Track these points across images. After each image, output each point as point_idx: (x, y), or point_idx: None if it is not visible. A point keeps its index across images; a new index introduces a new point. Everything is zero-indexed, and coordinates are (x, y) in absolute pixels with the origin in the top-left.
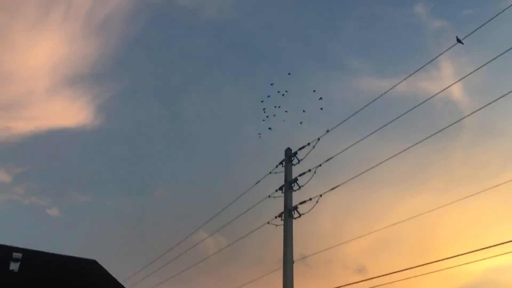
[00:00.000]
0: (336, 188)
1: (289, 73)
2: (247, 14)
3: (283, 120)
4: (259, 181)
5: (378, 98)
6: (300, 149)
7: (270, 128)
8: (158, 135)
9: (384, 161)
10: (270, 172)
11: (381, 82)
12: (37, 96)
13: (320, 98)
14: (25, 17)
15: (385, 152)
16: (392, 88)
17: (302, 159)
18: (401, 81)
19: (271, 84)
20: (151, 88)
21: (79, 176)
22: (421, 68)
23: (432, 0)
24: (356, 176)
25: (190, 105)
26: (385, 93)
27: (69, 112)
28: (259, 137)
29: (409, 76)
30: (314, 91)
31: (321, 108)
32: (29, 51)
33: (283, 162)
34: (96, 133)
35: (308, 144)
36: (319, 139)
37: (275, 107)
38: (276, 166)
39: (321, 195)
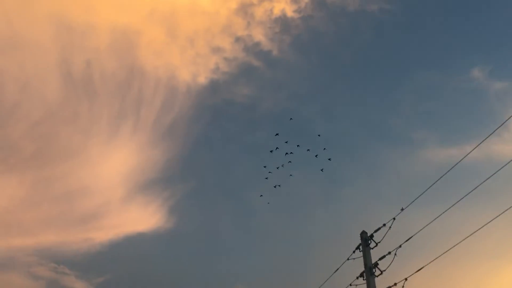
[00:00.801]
0: (422, 269)
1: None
2: (303, 103)
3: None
4: (337, 269)
5: (453, 167)
6: (376, 231)
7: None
8: (228, 230)
9: (474, 232)
10: (348, 259)
11: (449, 151)
12: (113, 205)
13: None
14: (98, 133)
15: (468, 222)
16: (466, 155)
17: (379, 242)
18: (475, 147)
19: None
20: (216, 184)
21: (156, 280)
22: (494, 131)
23: (488, 63)
24: (443, 253)
25: (256, 197)
26: (459, 161)
27: (143, 217)
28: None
29: (483, 141)
30: (319, 135)
31: (329, 159)
32: (103, 164)
33: (360, 247)
34: (169, 235)
35: (384, 225)
36: (394, 218)
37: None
38: (353, 251)
39: (406, 279)
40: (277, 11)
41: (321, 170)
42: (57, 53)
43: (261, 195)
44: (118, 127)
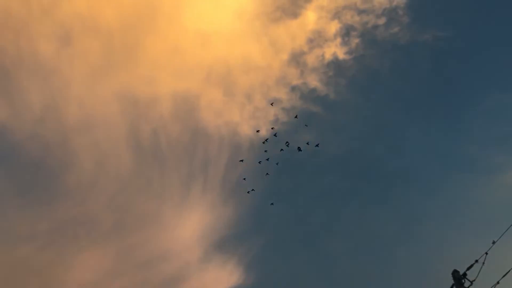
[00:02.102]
0: None
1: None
2: (368, 142)
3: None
4: None
5: None
6: (468, 268)
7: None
8: (309, 279)
9: None
10: None
11: None
12: (193, 267)
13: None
14: (171, 198)
15: None
16: None
17: (474, 280)
18: None
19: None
20: (291, 234)
21: None
22: None
23: None
24: None
25: (333, 242)
26: None
27: (223, 277)
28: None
29: None
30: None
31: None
32: (178, 227)
33: (453, 287)
34: None
35: (476, 261)
36: (487, 253)
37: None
38: None
39: None
40: (328, 56)
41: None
42: (125, 127)
43: (272, 203)
44: (188, 189)
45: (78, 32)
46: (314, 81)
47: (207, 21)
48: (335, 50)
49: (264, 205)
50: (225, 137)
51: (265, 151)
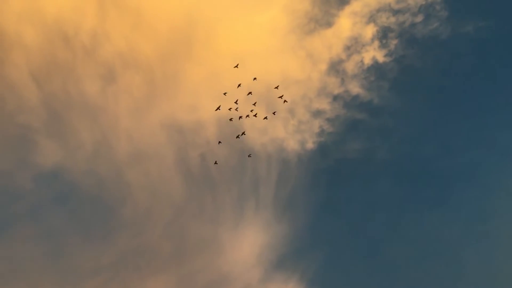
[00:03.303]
0: None
1: None
2: (418, 144)
3: None
4: None
5: None
6: None
7: None
8: None
9: None
10: None
11: None
12: (254, 287)
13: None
14: (225, 220)
15: None
16: None
17: None
18: None
19: None
20: (350, 245)
21: None
22: None
23: None
24: None
25: (395, 250)
26: None
27: None
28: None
29: None
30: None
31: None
32: (235, 249)
33: None
34: None
35: None
36: None
37: None
38: None
39: None
40: (368, 60)
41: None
42: (174, 155)
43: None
44: (241, 210)
45: (120, 69)
46: (356, 88)
47: (242, 42)
48: (374, 54)
49: (319, 219)
50: (272, 154)
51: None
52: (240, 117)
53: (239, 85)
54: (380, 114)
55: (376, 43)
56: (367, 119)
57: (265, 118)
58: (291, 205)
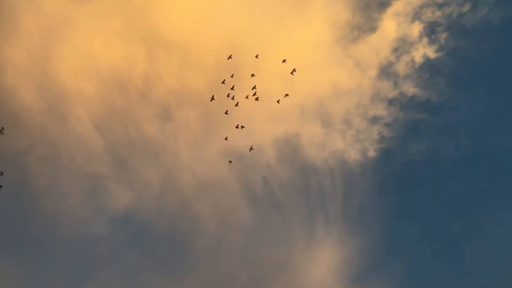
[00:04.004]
0: None
1: None
2: (488, 135)
3: None
4: None
5: None
6: None
7: None
8: None
9: None
10: None
11: None
12: None
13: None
14: (297, 241)
15: None
16: None
17: None
18: None
19: None
20: (430, 251)
21: None
22: None
23: None
24: None
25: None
26: None
27: None
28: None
29: None
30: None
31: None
32: (312, 269)
33: None
34: None
35: None
36: None
37: None
38: None
39: None
40: (419, 59)
41: None
42: (237, 182)
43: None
44: (311, 229)
45: (174, 106)
46: (410, 89)
47: (289, 59)
48: (424, 51)
49: (393, 228)
50: (334, 167)
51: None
52: (237, 104)
53: (232, 75)
54: (441, 112)
55: (425, 40)
56: (427, 119)
57: (278, 101)
58: (362, 217)
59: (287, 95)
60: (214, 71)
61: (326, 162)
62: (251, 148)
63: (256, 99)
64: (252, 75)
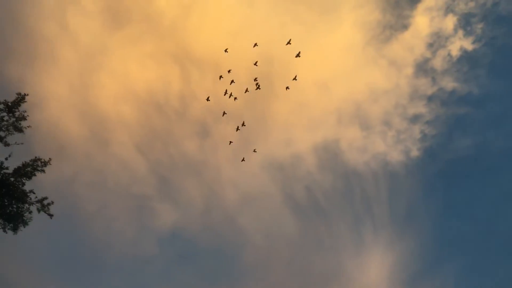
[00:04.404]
0: None
1: None
2: None
3: None
4: None
5: None
6: None
7: None
8: None
9: None
10: None
11: None
12: None
13: None
14: (345, 248)
15: None
16: None
17: None
18: None
19: None
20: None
21: None
22: None
23: None
24: None
25: None
26: None
27: None
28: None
29: None
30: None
31: None
32: (363, 275)
33: None
34: None
35: None
36: None
37: None
38: None
39: None
40: (456, 52)
41: None
42: (280, 192)
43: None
44: (359, 234)
45: (211, 122)
46: (450, 83)
47: (322, 66)
48: (460, 44)
49: (444, 227)
50: (377, 170)
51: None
52: (235, 98)
53: (229, 71)
54: (484, 104)
55: (460, 32)
56: (470, 113)
57: (287, 88)
58: (410, 219)
59: (295, 78)
60: (247, 84)
61: (368, 166)
62: (254, 150)
63: (258, 87)
64: (287, 87)
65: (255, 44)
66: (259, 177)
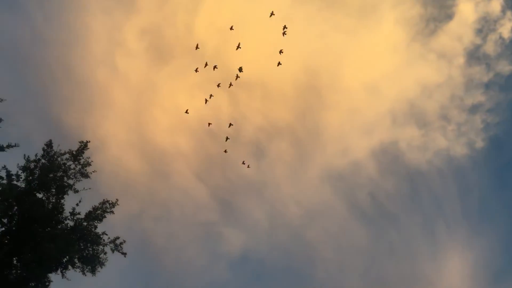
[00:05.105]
0: None
1: None
2: None
3: None
4: None
5: None
6: None
7: None
8: None
9: None
10: None
11: None
12: None
13: None
14: (420, 251)
15: None
16: None
17: None
18: None
19: None
20: None
21: None
22: None
23: None
24: None
25: None
26: None
27: None
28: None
29: None
30: None
31: None
32: (442, 278)
33: None
34: None
35: None
36: None
37: None
38: None
39: None
40: (507, 34)
41: None
42: (343, 202)
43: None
44: (432, 235)
45: (265, 142)
46: (506, 67)
47: (368, 69)
48: (511, 25)
49: None
50: (442, 167)
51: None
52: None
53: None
54: None
55: (509, 13)
56: None
57: (279, 64)
58: (485, 212)
59: (281, 51)
60: (295, 98)
61: (432, 164)
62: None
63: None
64: (279, 63)
65: (238, 46)
66: (320, 190)
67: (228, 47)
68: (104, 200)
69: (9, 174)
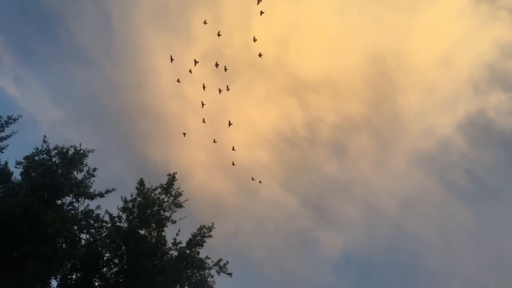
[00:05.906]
0: None
1: None
2: None
3: None
4: None
5: None
6: None
7: None
8: None
9: None
10: None
11: None
12: None
13: None
14: None
15: None
16: None
17: None
18: None
19: None
20: None
21: None
22: None
23: None
24: None
25: None
26: None
27: None
28: None
29: None
30: None
31: None
32: None
33: None
34: None
35: None
36: None
37: None
38: None
39: None
40: None
41: None
42: (440, 184)
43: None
44: None
45: (344, 138)
46: None
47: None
48: None
49: None
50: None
51: None
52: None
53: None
54: None
55: None
56: None
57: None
58: None
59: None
60: (365, 88)
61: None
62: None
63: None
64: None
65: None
66: (411, 175)
67: (287, 52)
68: (201, 225)
69: (111, 217)
